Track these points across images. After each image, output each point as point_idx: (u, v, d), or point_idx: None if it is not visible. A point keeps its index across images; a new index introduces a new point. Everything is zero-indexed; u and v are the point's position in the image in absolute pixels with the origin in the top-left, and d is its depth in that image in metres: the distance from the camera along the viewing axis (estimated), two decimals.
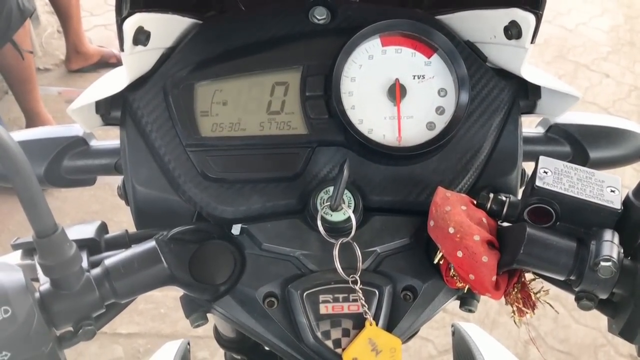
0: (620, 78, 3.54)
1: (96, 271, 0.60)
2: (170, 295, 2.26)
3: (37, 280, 0.59)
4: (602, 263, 0.56)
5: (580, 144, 0.83)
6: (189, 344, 1.08)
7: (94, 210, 2.57)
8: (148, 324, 2.21)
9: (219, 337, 1.09)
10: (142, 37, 0.66)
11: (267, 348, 1.07)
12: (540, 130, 0.86)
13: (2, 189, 2.56)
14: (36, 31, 3.35)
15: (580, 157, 0.83)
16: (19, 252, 0.67)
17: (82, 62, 3.29)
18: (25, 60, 2.58)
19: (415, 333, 0.73)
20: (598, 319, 2.25)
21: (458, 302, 0.75)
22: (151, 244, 0.63)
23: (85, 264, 0.60)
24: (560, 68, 3.54)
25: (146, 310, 2.23)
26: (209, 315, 0.73)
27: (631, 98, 3.39)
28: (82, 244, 0.63)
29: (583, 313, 2.26)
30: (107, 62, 3.32)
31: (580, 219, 0.61)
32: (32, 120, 2.77)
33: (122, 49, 0.65)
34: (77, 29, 3.19)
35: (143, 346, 2.16)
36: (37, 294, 0.56)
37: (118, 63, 3.30)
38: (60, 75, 3.34)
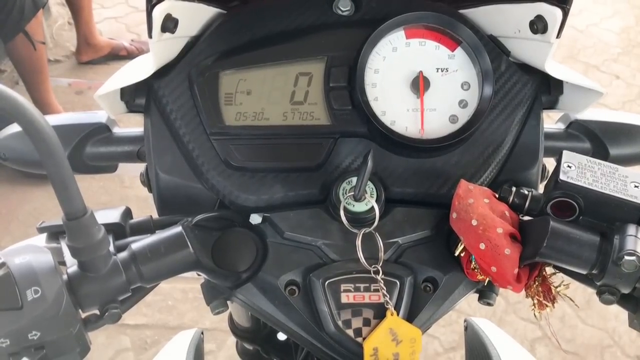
0: (631, 80, 3.53)
1: (123, 255, 0.60)
2: (178, 288, 2.26)
3: (63, 263, 0.60)
4: (626, 257, 0.56)
5: (600, 141, 0.83)
6: (202, 333, 1.08)
7: (102, 201, 2.57)
8: (155, 316, 2.22)
9: (233, 327, 1.09)
10: (170, 24, 0.67)
11: (280, 339, 1.09)
12: (561, 126, 0.86)
13: (11, 179, 2.57)
14: (47, 22, 3.36)
15: (600, 153, 0.83)
16: (43, 236, 0.68)
17: (92, 54, 3.30)
18: (37, 51, 2.59)
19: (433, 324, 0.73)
20: (605, 320, 2.25)
21: (475, 296, 0.76)
22: (178, 229, 0.63)
23: (111, 247, 0.61)
24: (570, 69, 3.53)
25: (154, 302, 2.24)
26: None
27: None
28: (108, 228, 0.64)
29: (590, 313, 2.26)
30: (117, 55, 3.33)
31: (603, 214, 0.61)
32: (42, 110, 2.72)
33: (150, 36, 0.66)
34: (88, 21, 3.20)
35: (150, 337, 2.16)
36: (64, 276, 0.56)
37: (128, 55, 3.32)
38: (70, 67, 3.35)
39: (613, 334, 2.24)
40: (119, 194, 2.60)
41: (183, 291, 2.26)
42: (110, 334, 2.15)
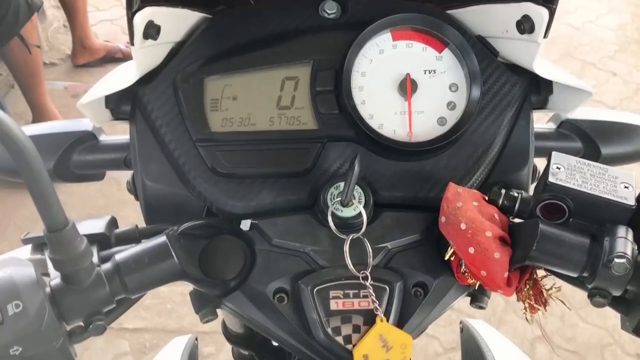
0: (628, 77, 3.52)
1: (107, 266, 0.59)
2: (177, 291, 2.26)
3: (47, 275, 0.59)
4: (616, 260, 0.55)
5: (592, 140, 0.82)
6: (196, 339, 1.08)
7: (100, 204, 2.57)
8: (154, 319, 2.21)
9: (227, 333, 1.09)
10: (152, 31, 0.66)
11: (275, 344, 1.08)
12: (552, 126, 0.85)
13: (8, 183, 2.57)
14: (42, 25, 3.35)
15: (592, 153, 0.82)
16: (28, 247, 0.67)
17: (88, 57, 3.30)
18: (32, 54, 2.58)
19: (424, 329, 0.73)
20: (605, 318, 2.24)
21: (467, 299, 0.75)
22: (162, 239, 0.63)
23: (95, 258, 0.60)
24: (567, 66, 3.53)
25: (152, 306, 2.24)
26: (217, 310, 0.73)
27: (638, 97, 3.38)
28: (93, 238, 0.63)
29: (590, 312, 2.25)
30: (113, 57, 3.33)
31: (593, 216, 0.60)
32: (38, 114, 2.78)
33: (132, 43, 0.65)
34: (83, 24, 3.20)
35: (149, 341, 2.16)
36: (47, 289, 0.56)
37: (124, 58, 3.31)
38: (66, 70, 3.35)
39: (613, 332, 2.23)
40: (116, 197, 2.60)
41: (182, 294, 2.26)
42: (109, 338, 2.15)
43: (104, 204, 2.58)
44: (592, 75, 3.48)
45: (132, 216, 2.33)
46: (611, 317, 2.24)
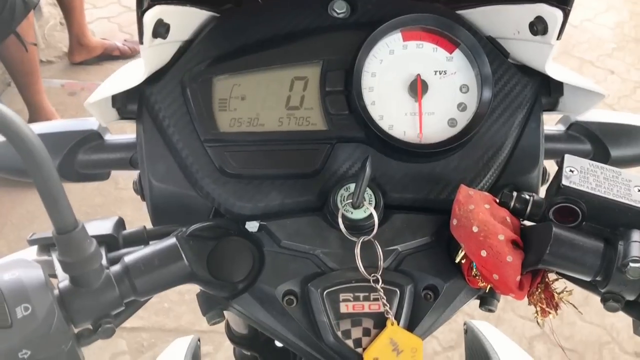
0: (626, 75, 3.52)
1: (116, 268, 0.59)
2: (175, 290, 2.23)
3: (54, 276, 0.58)
4: (631, 264, 0.55)
5: (601, 142, 0.82)
6: (199, 340, 1.07)
7: (97, 203, 2.55)
8: (152, 318, 2.20)
9: (230, 333, 1.08)
10: (161, 29, 0.65)
11: (278, 345, 1.08)
12: (561, 128, 0.85)
13: (4, 182, 2.55)
14: (39, 23, 3.33)
15: (601, 155, 0.82)
16: (34, 248, 0.66)
17: (85, 55, 3.27)
18: (28, 52, 2.56)
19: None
20: (603, 317, 2.24)
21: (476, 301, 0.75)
22: (171, 240, 0.62)
23: (104, 260, 0.59)
24: (565, 64, 3.49)
25: (150, 305, 2.19)
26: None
27: (636, 95, 3.38)
28: (101, 240, 0.62)
29: (588, 310, 2.25)
30: (110, 55, 3.31)
31: (607, 219, 0.60)
32: (35, 112, 2.76)
33: (141, 42, 0.64)
34: (80, 21, 3.17)
35: (147, 340, 2.15)
36: (56, 291, 0.55)
37: (121, 56, 3.30)
38: (63, 68, 3.33)
39: (611, 331, 2.23)
40: (114, 196, 2.58)
41: (179, 293, 2.25)
42: None
43: (101, 203, 2.56)
44: (590, 74, 3.48)
45: (129, 214, 2.32)
46: (609, 315, 2.23)
